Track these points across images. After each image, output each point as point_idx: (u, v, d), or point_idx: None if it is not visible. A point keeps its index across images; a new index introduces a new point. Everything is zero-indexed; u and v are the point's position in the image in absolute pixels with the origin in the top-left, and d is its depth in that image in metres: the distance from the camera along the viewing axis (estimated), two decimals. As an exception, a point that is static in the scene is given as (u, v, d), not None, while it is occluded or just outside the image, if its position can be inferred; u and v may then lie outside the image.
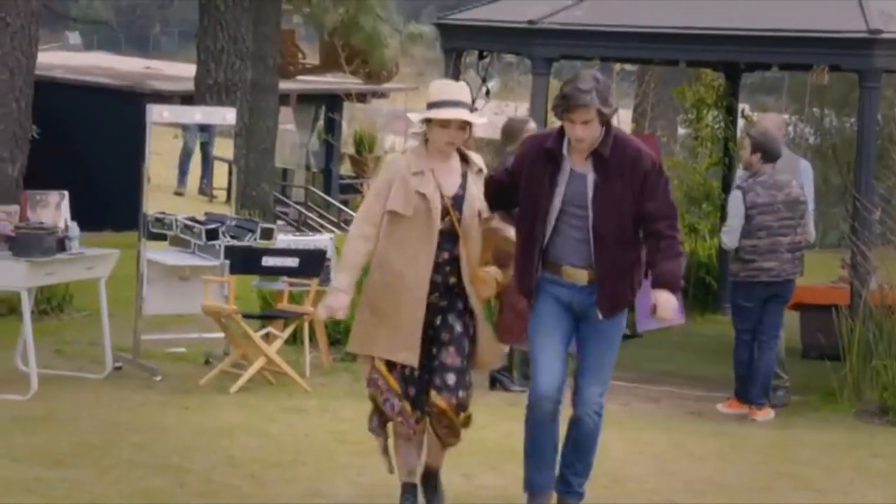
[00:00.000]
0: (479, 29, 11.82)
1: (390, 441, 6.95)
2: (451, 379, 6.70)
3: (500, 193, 6.83)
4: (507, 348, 7.24)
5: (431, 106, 6.71)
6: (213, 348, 10.90)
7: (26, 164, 13.93)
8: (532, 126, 9.85)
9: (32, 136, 14.15)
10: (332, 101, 26.16)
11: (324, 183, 27.65)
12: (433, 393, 6.73)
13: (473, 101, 7.91)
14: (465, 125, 6.71)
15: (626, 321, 7.05)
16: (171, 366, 10.65)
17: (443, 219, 6.70)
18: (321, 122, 28.25)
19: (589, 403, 6.76)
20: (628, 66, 20.45)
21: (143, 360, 10.58)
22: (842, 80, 16.92)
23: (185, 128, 11.68)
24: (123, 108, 22.24)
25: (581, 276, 6.67)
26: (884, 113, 19.62)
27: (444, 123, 6.68)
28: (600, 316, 6.67)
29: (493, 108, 15.61)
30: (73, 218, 10.30)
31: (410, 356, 6.70)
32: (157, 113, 11.02)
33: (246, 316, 10.44)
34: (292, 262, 10.41)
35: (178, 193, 11.47)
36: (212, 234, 10.80)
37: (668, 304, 6.59)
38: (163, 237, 10.93)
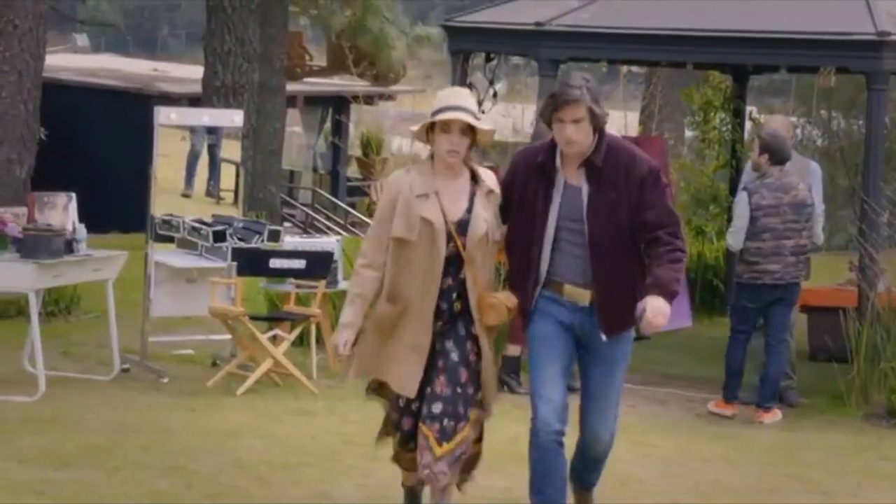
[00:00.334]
0: (487, 31, 11.81)
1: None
2: (437, 408, 6.49)
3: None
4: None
5: (435, 113, 6.50)
6: (221, 350, 10.91)
7: (34, 165, 13.95)
8: None
9: (40, 138, 14.18)
10: (340, 104, 26.16)
11: (331, 185, 27.64)
12: (420, 422, 6.54)
13: (480, 104, 7.84)
14: (467, 130, 6.49)
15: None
16: (178, 368, 10.66)
17: (447, 244, 6.46)
18: (328, 125, 28.29)
19: (597, 435, 6.62)
20: (636, 69, 20.43)
21: (150, 361, 10.58)
22: (849, 82, 16.88)
23: (192, 130, 11.68)
24: (131, 110, 22.29)
25: (583, 296, 6.43)
26: (892, 115, 19.64)
27: (446, 127, 6.45)
28: (603, 337, 6.44)
29: (501, 111, 15.60)
30: (81, 220, 10.30)
31: (410, 389, 6.54)
32: (165, 115, 11.04)
33: (253, 318, 10.46)
34: (299, 263, 10.42)
35: (186, 195, 11.46)
36: (219, 236, 10.81)
37: (657, 310, 6.18)
38: (170, 239, 10.95)
